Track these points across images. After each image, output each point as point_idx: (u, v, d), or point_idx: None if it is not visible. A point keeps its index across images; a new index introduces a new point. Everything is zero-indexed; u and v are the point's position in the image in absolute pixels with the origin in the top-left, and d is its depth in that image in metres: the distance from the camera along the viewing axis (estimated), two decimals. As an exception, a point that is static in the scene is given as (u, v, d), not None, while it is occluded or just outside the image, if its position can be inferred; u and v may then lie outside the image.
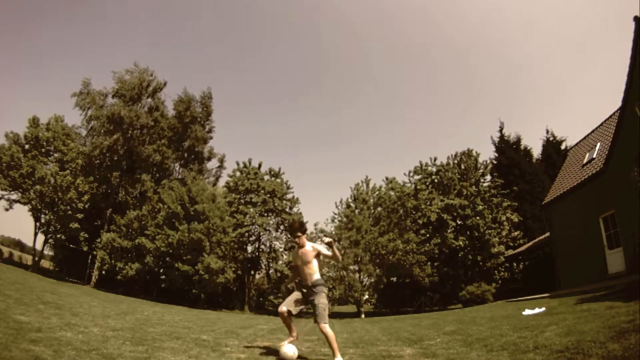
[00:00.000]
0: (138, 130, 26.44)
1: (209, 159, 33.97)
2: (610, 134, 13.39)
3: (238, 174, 29.73)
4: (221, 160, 34.71)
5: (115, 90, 26.95)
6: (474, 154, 28.29)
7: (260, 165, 30.49)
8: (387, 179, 28.94)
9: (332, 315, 25.89)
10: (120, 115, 25.70)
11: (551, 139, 31.84)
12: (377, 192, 28.53)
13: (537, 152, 32.62)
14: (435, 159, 29.31)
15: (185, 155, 32.35)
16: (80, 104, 26.51)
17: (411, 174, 29.67)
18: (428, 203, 26.34)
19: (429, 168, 29.24)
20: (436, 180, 28.06)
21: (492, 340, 5.11)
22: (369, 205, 27.65)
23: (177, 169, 32.65)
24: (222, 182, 33.94)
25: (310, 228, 54.54)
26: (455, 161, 28.48)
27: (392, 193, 27.10)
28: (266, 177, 30.14)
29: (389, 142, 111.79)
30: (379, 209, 27.24)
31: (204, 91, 33.26)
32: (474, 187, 26.78)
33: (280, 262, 28.44)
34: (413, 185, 28.44)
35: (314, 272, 4.48)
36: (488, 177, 28.68)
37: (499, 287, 22.70)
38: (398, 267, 24.23)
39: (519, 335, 5.13)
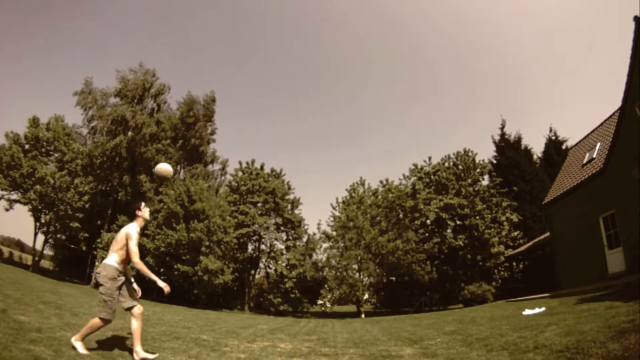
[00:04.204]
0: (140, 131, 26.38)
1: (212, 161, 34.09)
2: (610, 134, 13.38)
3: (240, 174, 29.80)
4: (224, 164, 34.83)
5: (118, 90, 26.94)
6: (471, 154, 28.29)
7: (262, 166, 30.64)
8: (385, 180, 29.00)
9: (333, 315, 26.01)
10: (124, 117, 25.68)
11: (553, 137, 31.79)
12: (374, 193, 28.57)
13: (539, 150, 32.67)
14: (430, 159, 29.40)
15: (188, 155, 32.47)
16: (81, 103, 26.49)
17: (407, 176, 29.71)
18: (427, 202, 26.34)
19: (425, 168, 29.27)
20: (435, 180, 28.06)
21: (492, 340, 5.11)
22: (366, 207, 27.65)
23: (178, 169, 32.72)
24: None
25: (313, 227, 53.86)
26: (452, 162, 28.48)
27: (390, 195, 27.11)
28: (270, 179, 30.20)
29: (389, 142, 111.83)
30: (378, 209, 27.22)
31: (207, 94, 33.54)
32: (472, 186, 26.79)
33: (280, 261, 28.45)
34: (411, 186, 28.45)
35: (109, 255, 3.96)
36: (487, 177, 28.69)
37: (499, 287, 22.71)
38: (398, 266, 24.25)
39: (519, 335, 5.13)
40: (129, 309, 3.86)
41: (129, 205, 4.43)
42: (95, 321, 3.74)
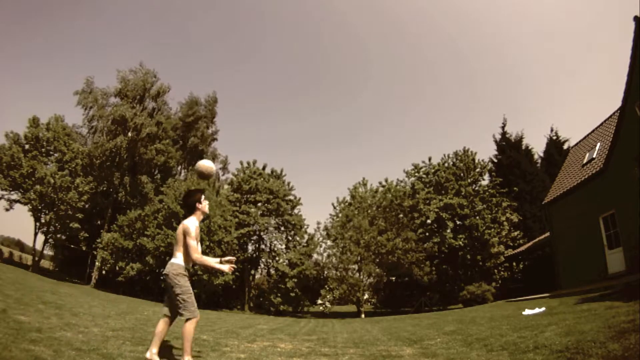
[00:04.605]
0: (140, 131, 26.38)
1: (213, 160, 34.18)
2: (610, 134, 13.38)
3: (242, 174, 29.89)
4: (224, 163, 34.93)
5: (118, 90, 26.97)
6: (470, 154, 28.23)
7: (264, 167, 30.75)
8: (384, 181, 29.00)
9: (333, 315, 26.01)
10: (124, 117, 25.72)
11: (554, 137, 31.74)
12: (373, 193, 28.57)
13: (540, 150, 32.57)
14: (430, 159, 29.37)
15: (189, 155, 32.57)
16: (82, 103, 26.53)
17: (406, 177, 29.69)
18: (427, 202, 26.33)
19: (424, 168, 29.23)
20: (434, 181, 28.03)
21: (492, 340, 5.11)
22: (365, 207, 27.67)
23: (179, 170, 32.86)
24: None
25: (312, 226, 53.65)
26: (451, 161, 28.42)
27: (389, 195, 27.11)
28: (271, 180, 30.28)
29: (390, 142, 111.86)
30: (377, 209, 27.22)
31: (210, 95, 33.85)
32: (472, 186, 26.77)
33: (280, 260, 28.49)
34: (410, 186, 28.42)
35: (174, 255, 3.66)
36: (487, 177, 28.66)
37: (499, 287, 22.70)
38: (397, 266, 24.25)
39: (519, 335, 5.13)
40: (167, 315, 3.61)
41: (186, 197, 3.85)
42: (187, 327, 3.42)
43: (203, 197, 3.79)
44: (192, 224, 3.59)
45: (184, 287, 3.52)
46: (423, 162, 29.54)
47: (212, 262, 3.70)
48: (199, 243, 3.66)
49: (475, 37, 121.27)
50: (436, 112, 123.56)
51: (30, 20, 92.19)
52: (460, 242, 24.73)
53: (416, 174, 29.17)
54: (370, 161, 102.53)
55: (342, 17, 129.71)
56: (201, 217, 3.76)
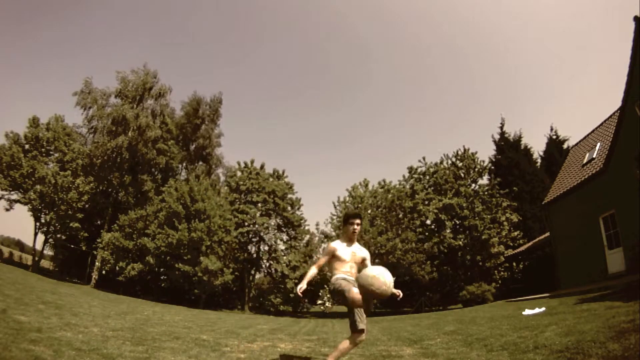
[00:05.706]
0: (142, 132, 26.35)
1: (217, 165, 34.27)
2: (610, 134, 13.38)
3: (239, 173, 29.86)
4: (229, 170, 34.97)
5: (118, 91, 26.94)
6: (470, 154, 28.17)
7: (262, 166, 30.64)
8: (383, 181, 29.00)
9: (333, 315, 26.00)
10: (125, 117, 25.70)
11: (554, 137, 31.70)
12: (373, 193, 28.56)
13: (540, 149, 32.51)
14: (424, 158, 29.38)
15: (192, 155, 32.59)
16: (81, 103, 26.50)
17: (406, 179, 29.64)
18: (426, 203, 26.31)
19: (421, 168, 29.21)
20: (432, 182, 28.00)
21: (492, 340, 5.11)
22: (365, 206, 27.65)
23: (180, 170, 32.87)
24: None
25: (311, 228, 53.79)
26: (450, 161, 28.37)
27: (388, 196, 27.12)
28: (270, 179, 30.20)
29: (390, 142, 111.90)
30: (377, 210, 27.22)
31: (215, 95, 33.88)
32: (471, 186, 26.76)
33: (281, 261, 28.46)
34: (409, 186, 28.42)
35: (331, 272, 3.82)
36: (486, 177, 28.62)
37: (499, 287, 22.69)
38: (397, 266, 24.25)
39: (519, 335, 5.13)
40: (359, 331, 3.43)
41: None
42: (347, 340, 3.38)
43: (348, 219, 3.82)
44: (332, 242, 3.82)
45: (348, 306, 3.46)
46: (420, 161, 29.57)
47: (307, 277, 3.68)
48: (345, 263, 3.67)
49: (475, 37, 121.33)
50: (436, 112, 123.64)
51: (30, 20, 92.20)
52: (460, 242, 24.72)
53: (413, 176, 29.15)
54: (370, 161, 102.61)
55: (342, 18, 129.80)
56: (345, 237, 3.81)
